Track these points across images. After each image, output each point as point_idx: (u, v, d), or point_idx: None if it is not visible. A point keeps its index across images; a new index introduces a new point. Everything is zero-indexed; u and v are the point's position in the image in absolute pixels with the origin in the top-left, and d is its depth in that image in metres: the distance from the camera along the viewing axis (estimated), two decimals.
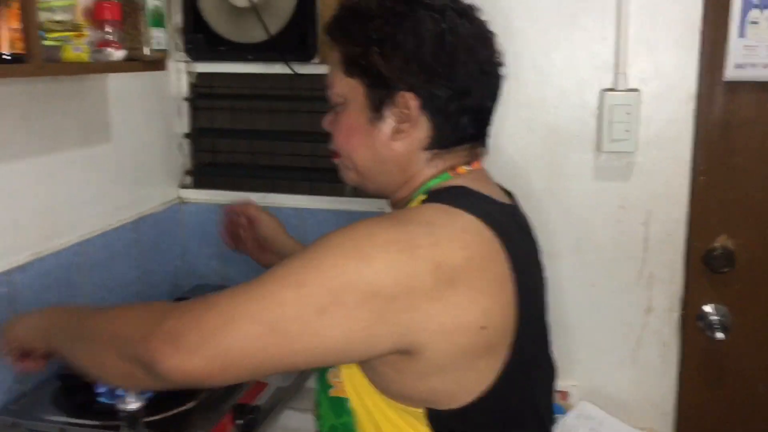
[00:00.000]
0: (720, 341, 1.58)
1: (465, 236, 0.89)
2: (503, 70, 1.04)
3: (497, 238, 0.91)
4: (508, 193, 1.11)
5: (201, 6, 1.81)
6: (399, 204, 1.04)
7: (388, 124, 0.98)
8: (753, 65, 1.50)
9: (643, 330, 1.66)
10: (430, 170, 1.01)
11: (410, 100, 0.96)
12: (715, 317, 1.60)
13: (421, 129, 0.98)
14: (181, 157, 1.93)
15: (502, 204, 1.02)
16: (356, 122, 1.00)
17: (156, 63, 1.42)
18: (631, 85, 1.57)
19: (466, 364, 0.89)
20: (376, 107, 0.98)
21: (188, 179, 1.95)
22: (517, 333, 0.91)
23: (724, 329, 1.58)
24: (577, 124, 1.62)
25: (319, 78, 1.82)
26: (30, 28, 1.10)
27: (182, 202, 1.92)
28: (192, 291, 1.88)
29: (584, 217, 1.64)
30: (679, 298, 1.63)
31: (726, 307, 1.60)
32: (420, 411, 0.92)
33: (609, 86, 1.58)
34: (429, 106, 0.97)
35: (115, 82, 1.61)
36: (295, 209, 1.85)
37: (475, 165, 1.04)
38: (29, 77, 1.25)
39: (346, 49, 1.00)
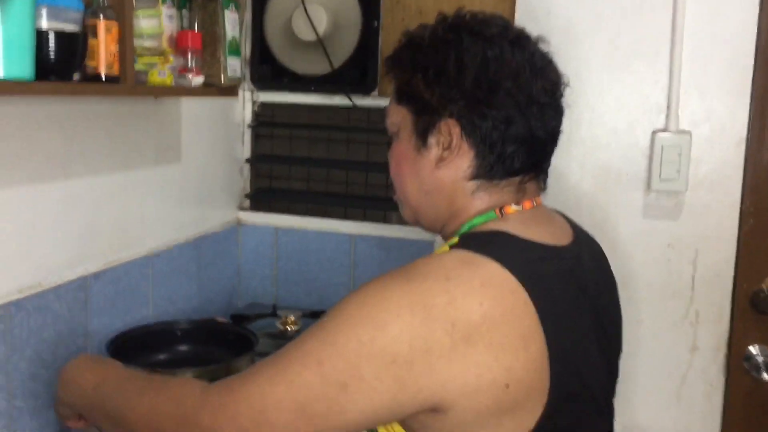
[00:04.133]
0: (766, 382, 1.59)
1: (483, 290, 0.86)
2: (561, 102, 1.02)
3: (524, 289, 0.87)
4: (576, 230, 1.05)
5: (269, 39, 1.91)
6: (449, 238, 1.00)
7: (433, 152, 0.99)
8: None
9: (688, 369, 1.67)
10: (477, 205, 0.99)
11: (452, 127, 0.96)
12: (761, 358, 1.61)
13: (465, 157, 0.97)
14: (241, 180, 2.02)
15: (550, 247, 0.97)
16: (406, 151, 1.02)
17: (230, 90, 1.49)
18: (683, 127, 1.61)
19: (493, 422, 0.87)
20: (422, 135, 0.99)
21: (247, 202, 2.03)
22: (550, 391, 0.88)
23: None
24: (627, 163, 1.66)
25: (376, 111, 1.90)
26: (126, 52, 1.19)
27: (240, 223, 2.00)
28: (247, 308, 1.95)
29: (632, 255, 1.67)
30: (725, 338, 1.64)
31: None
32: None
33: (660, 127, 1.63)
34: (471, 133, 0.96)
35: (188, 105, 1.71)
36: (348, 235, 1.92)
37: (526, 204, 1.00)
38: (119, 97, 1.34)
39: (397, 77, 1.03)
